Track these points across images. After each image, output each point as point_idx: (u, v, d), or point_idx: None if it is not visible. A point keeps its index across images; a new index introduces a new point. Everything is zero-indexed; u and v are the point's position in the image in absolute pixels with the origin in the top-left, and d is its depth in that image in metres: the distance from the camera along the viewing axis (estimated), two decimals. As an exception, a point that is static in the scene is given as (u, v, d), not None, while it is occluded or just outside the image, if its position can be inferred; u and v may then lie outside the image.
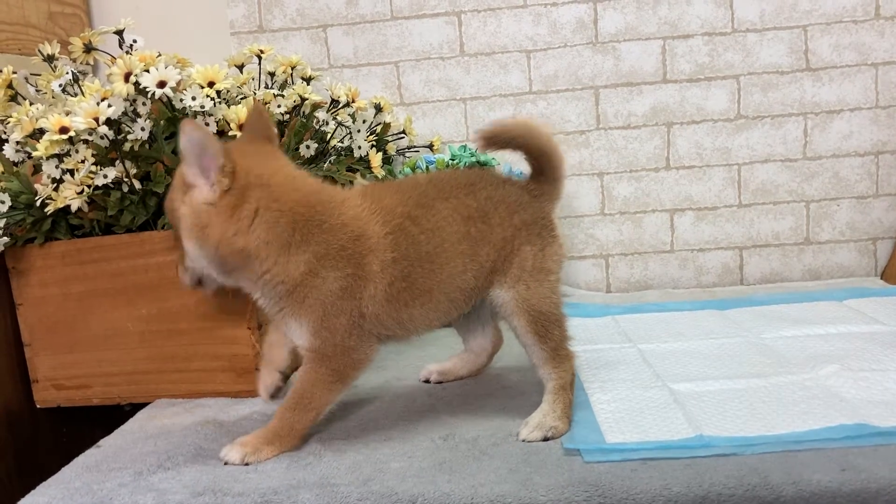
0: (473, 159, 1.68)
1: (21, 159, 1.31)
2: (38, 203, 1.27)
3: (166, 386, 1.32)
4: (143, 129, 1.23)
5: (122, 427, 1.22)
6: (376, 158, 1.52)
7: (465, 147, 1.72)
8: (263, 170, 1.02)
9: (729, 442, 0.98)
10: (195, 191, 0.99)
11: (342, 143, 1.51)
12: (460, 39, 1.86)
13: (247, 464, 1.03)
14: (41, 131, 1.23)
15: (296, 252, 1.01)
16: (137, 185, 1.26)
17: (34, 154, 1.23)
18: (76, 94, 1.32)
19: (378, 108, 1.65)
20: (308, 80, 1.59)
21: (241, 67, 1.58)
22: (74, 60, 1.40)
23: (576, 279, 1.92)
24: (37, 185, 1.29)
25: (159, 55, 1.26)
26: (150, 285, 1.28)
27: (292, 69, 1.60)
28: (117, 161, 1.24)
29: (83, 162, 1.23)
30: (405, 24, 1.86)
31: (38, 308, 1.34)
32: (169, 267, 1.24)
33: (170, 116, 1.27)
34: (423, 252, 1.06)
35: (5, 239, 1.28)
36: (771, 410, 1.08)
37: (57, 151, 1.22)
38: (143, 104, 1.23)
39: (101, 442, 1.17)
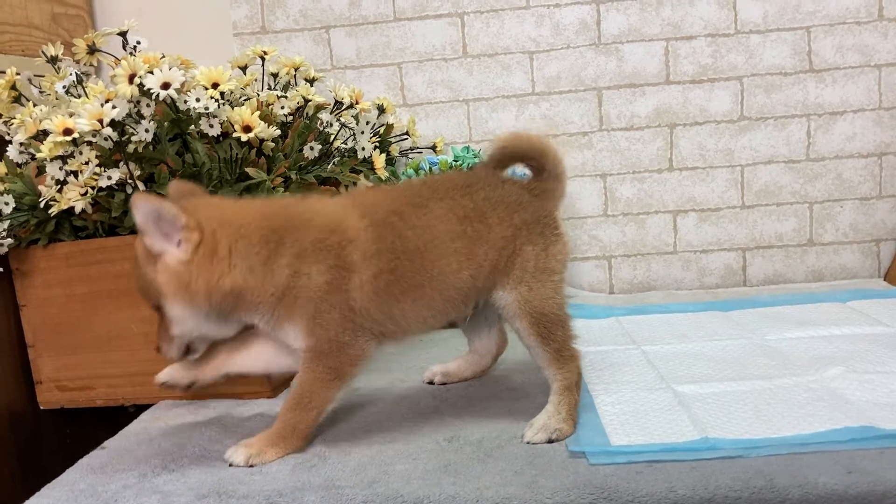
0: (476, 160, 1.68)
1: (25, 161, 1.31)
2: (41, 204, 1.27)
3: (170, 387, 1.32)
4: (147, 130, 1.23)
5: (126, 429, 1.22)
6: (380, 160, 1.52)
7: (467, 148, 1.72)
8: (215, 211, 1.04)
9: (734, 444, 0.98)
10: (165, 256, 1.00)
11: (346, 144, 1.51)
12: (463, 41, 1.86)
13: (251, 466, 1.03)
14: (45, 133, 1.23)
15: (276, 260, 1.02)
16: (141, 186, 1.25)
17: (38, 155, 1.23)
18: (80, 96, 1.32)
19: (381, 110, 1.65)
20: (311, 81, 1.59)
21: (244, 69, 1.58)
22: (78, 62, 1.40)
23: (579, 280, 1.92)
24: (41, 187, 1.29)
25: (163, 57, 1.25)
26: (154, 287, 1.28)
27: (295, 70, 1.60)
28: (121, 163, 1.24)
29: (87, 163, 1.23)
30: (408, 25, 1.86)
31: (41, 309, 1.34)
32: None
33: (174, 118, 1.27)
34: (411, 246, 1.07)
35: (9, 240, 1.28)
36: (776, 412, 1.08)
37: (61, 153, 1.22)
38: (147, 106, 1.23)
39: (105, 444, 1.17)
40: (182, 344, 1.08)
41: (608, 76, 1.85)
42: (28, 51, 1.61)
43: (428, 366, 1.34)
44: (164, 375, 1.15)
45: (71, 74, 1.35)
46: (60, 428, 1.49)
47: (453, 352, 1.37)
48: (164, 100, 1.21)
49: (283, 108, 1.42)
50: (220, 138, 1.26)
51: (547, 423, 1.06)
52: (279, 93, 1.46)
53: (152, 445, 1.14)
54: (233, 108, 1.28)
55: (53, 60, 1.39)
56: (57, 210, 1.25)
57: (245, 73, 1.55)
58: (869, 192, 1.85)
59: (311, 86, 1.50)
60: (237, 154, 1.27)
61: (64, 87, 1.33)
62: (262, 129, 1.26)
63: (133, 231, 1.28)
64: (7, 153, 1.31)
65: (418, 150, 1.80)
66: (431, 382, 1.32)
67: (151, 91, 1.20)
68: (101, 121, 1.18)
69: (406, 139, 1.77)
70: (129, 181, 1.25)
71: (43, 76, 1.40)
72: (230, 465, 1.04)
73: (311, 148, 1.39)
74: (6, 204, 1.28)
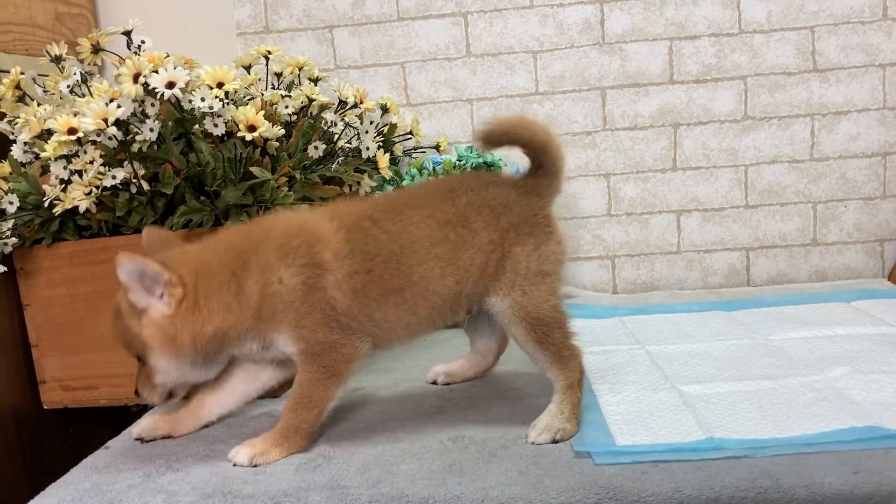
0: (480, 160, 1.68)
1: (29, 160, 1.31)
2: (46, 204, 1.27)
3: (174, 387, 1.32)
4: (151, 130, 1.23)
5: (130, 428, 1.22)
6: (384, 159, 1.52)
7: (471, 148, 1.71)
8: (191, 260, 1.05)
9: (740, 444, 0.98)
10: (150, 310, 1.03)
11: (350, 144, 1.51)
12: (466, 40, 1.86)
13: (255, 465, 1.03)
14: (49, 132, 1.23)
15: (246, 285, 1.04)
16: (146, 186, 1.25)
17: (42, 155, 1.23)
18: (84, 95, 1.32)
19: (384, 109, 1.65)
20: (315, 80, 1.59)
21: (248, 68, 1.58)
22: (82, 61, 1.40)
23: (582, 280, 1.92)
24: (45, 186, 1.29)
25: (167, 56, 1.25)
26: (158, 286, 1.28)
27: (299, 70, 1.60)
28: (125, 162, 1.24)
29: (91, 163, 1.23)
30: (411, 24, 1.86)
31: (45, 309, 1.34)
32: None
33: (178, 117, 1.27)
34: (386, 250, 1.07)
35: (13, 240, 1.28)
36: (781, 412, 1.08)
37: (65, 152, 1.22)
38: (152, 105, 1.23)
39: (110, 443, 1.17)
40: (165, 391, 1.10)
41: (612, 76, 1.85)
42: (32, 50, 1.61)
43: (431, 366, 1.34)
44: (141, 430, 1.17)
45: (75, 74, 1.35)
46: (64, 427, 1.49)
47: (456, 351, 1.37)
48: (168, 99, 1.21)
49: (287, 107, 1.42)
50: (225, 137, 1.26)
51: (550, 423, 1.06)
52: (283, 92, 1.46)
53: (156, 445, 1.14)
54: (237, 107, 1.28)
55: (57, 60, 1.39)
56: (61, 209, 1.25)
57: (249, 73, 1.55)
58: (873, 192, 1.85)
59: (315, 85, 1.50)
60: (241, 153, 1.27)
61: (68, 86, 1.33)
62: (266, 129, 1.26)
63: (137, 231, 1.28)
64: (11, 152, 1.31)
65: (422, 150, 1.80)
66: (435, 383, 1.32)
67: (156, 90, 1.20)
68: (105, 120, 1.18)
69: (410, 139, 1.77)
70: (134, 180, 1.25)
71: (47, 75, 1.40)
72: (234, 465, 1.04)
73: (316, 147, 1.39)
74: (10, 203, 1.28)
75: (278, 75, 1.60)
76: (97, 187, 1.23)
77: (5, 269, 1.29)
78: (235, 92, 1.32)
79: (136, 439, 1.15)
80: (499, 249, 1.10)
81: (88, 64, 1.41)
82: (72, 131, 1.20)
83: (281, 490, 0.96)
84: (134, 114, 1.23)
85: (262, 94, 1.43)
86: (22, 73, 1.36)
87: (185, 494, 0.97)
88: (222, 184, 1.27)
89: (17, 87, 1.35)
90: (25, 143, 1.29)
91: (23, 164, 1.32)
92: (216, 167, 1.27)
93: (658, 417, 1.09)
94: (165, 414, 1.17)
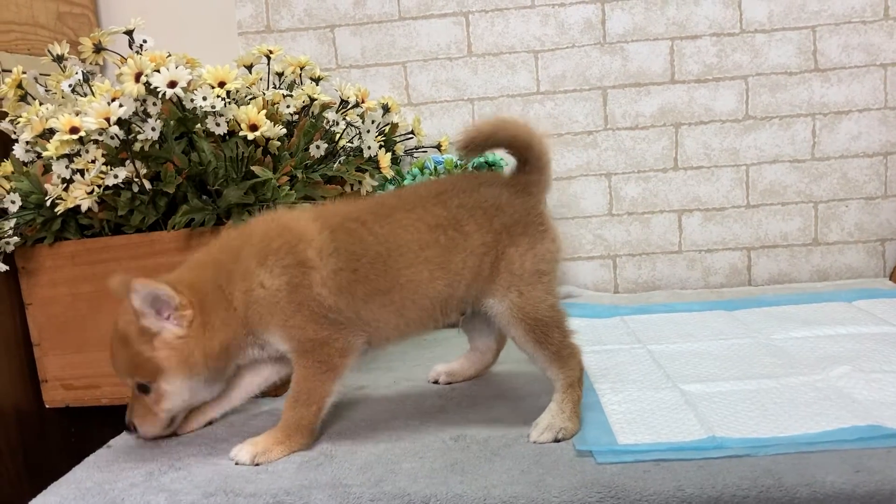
0: (481, 159, 1.68)
1: (31, 159, 1.32)
2: (48, 203, 1.27)
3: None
4: (153, 129, 1.23)
5: (133, 427, 1.22)
6: (385, 159, 1.52)
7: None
8: (189, 281, 1.06)
9: (741, 443, 0.98)
10: (163, 333, 1.04)
11: (351, 143, 1.51)
12: (468, 40, 1.86)
13: (257, 464, 1.03)
14: (51, 131, 1.23)
15: (233, 294, 1.06)
16: (147, 185, 1.25)
17: (44, 154, 1.24)
18: (86, 95, 1.32)
19: (386, 109, 1.65)
20: (317, 80, 1.59)
21: (249, 68, 1.58)
22: (84, 61, 1.40)
23: (583, 280, 1.92)
24: (47, 185, 1.29)
25: (169, 55, 1.26)
26: (160, 285, 1.28)
27: (301, 69, 1.60)
28: (127, 161, 1.24)
29: (93, 162, 1.23)
30: (413, 24, 1.86)
31: (47, 308, 1.34)
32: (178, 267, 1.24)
33: (180, 117, 1.27)
34: (372, 252, 1.07)
35: (15, 239, 1.28)
36: (783, 412, 1.08)
37: (67, 151, 1.23)
38: (154, 104, 1.23)
39: (111, 442, 1.17)
40: (169, 417, 1.11)
41: (613, 75, 1.85)
42: (34, 50, 1.61)
43: (432, 365, 1.34)
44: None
45: (77, 73, 1.35)
46: (66, 426, 1.49)
47: (457, 351, 1.37)
48: (170, 98, 1.21)
49: (288, 106, 1.42)
50: (227, 137, 1.26)
51: (552, 422, 1.06)
52: (285, 92, 1.46)
53: (158, 444, 1.14)
54: (239, 106, 1.28)
55: (59, 59, 1.39)
56: (63, 208, 1.25)
57: (251, 72, 1.55)
58: (874, 192, 1.85)
59: (317, 85, 1.50)
60: (243, 153, 1.27)
61: (70, 85, 1.34)
62: (268, 128, 1.26)
63: (139, 230, 1.29)
64: (13, 152, 1.31)
65: (423, 150, 1.80)
66: (436, 382, 1.32)
67: (158, 90, 1.20)
68: (107, 119, 1.19)
69: (411, 138, 1.77)
70: (136, 180, 1.25)
71: (49, 75, 1.40)
72: (236, 463, 1.04)
73: (317, 147, 1.39)
74: (12, 202, 1.28)
75: (280, 75, 1.61)
76: (99, 186, 1.24)
77: (7, 268, 1.29)
78: (237, 91, 1.32)
79: (141, 438, 1.15)
80: (492, 252, 1.09)
81: (90, 63, 1.41)
82: (74, 130, 1.21)
83: (283, 488, 0.96)
84: (136, 113, 1.23)
85: (264, 94, 1.43)
86: (24, 73, 1.36)
87: (186, 493, 0.97)
88: (224, 183, 1.27)
89: (19, 86, 1.35)
90: (27, 143, 1.30)
91: (25, 164, 1.32)
92: (218, 166, 1.27)
93: (660, 416, 1.09)
94: None
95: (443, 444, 1.06)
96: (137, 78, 1.21)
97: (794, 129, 1.84)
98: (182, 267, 1.11)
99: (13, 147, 1.31)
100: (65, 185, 1.25)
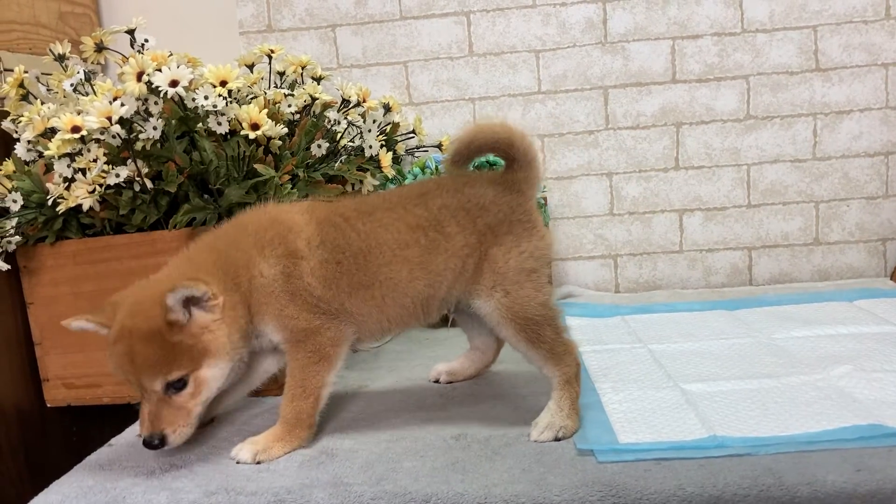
0: (482, 159, 1.68)
1: (33, 158, 1.32)
2: (49, 202, 1.27)
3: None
4: (155, 128, 1.23)
5: (134, 426, 1.22)
6: (386, 158, 1.52)
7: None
8: (205, 269, 1.06)
9: (742, 442, 0.98)
10: (197, 320, 1.02)
11: (352, 142, 1.51)
12: (469, 39, 1.86)
13: (259, 462, 1.04)
14: (53, 130, 1.24)
15: (238, 280, 1.06)
16: (149, 184, 1.25)
17: (46, 153, 1.24)
18: (87, 94, 1.32)
19: (387, 108, 1.65)
20: (318, 79, 1.59)
21: (251, 67, 1.58)
22: (85, 60, 1.40)
23: (584, 279, 1.92)
24: (48, 185, 1.29)
25: (171, 54, 1.26)
26: (161, 284, 1.28)
27: (302, 69, 1.60)
28: (129, 160, 1.25)
29: (95, 161, 1.23)
30: (414, 24, 1.86)
31: (48, 307, 1.34)
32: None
33: (182, 116, 1.27)
34: (354, 247, 1.08)
35: (17, 238, 1.29)
36: (784, 411, 1.08)
37: (69, 151, 1.23)
38: (156, 103, 1.23)
39: (113, 441, 1.17)
40: (201, 413, 1.06)
41: (614, 75, 1.85)
42: (36, 49, 1.62)
43: (433, 364, 1.34)
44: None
45: (78, 72, 1.35)
46: (67, 425, 1.49)
47: (458, 350, 1.37)
48: (171, 97, 1.21)
49: (289, 106, 1.42)
50: (228, 136, 1.26)
51: (551, 421, 1.06)
52: (286, 91, 1.46)
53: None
54: (240, 105, 1.28)
55: (61, 58, 1.39)
56: (65, 208, 1.25)
57: (252, 72, 1.55)
58: (875, 192, 1.85)
59: (318, 84, 1.50)
60: (245, 152, 1.27)
61: (72, 84, 1.34)
62: (269, 127, 1.26)
63: (140, 229, 1.29)
64: (15, 151, 1.31)
65: (424, 149, 1.80)
66: (437, 381, 1.32)
67: (159, 89, 1.20)
68: (109, 118, 1.19)
69: (412, 138, 1.77)
70: (137, 179, 1.25)
71: (50, 74, 1.40)
72: (237, 462, 1.04)
73: (319, 146, 1.39)
74: (14, 202, 1.28)
75: (281, 74, 1.61)
76: (101, 185, 1.24)
77: (9, 267, 1.29)
78: (238, 90, 1.32)
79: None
80: (476, 252, 1.09)
81: (92, 62, 1.41)
82: (75, 130, 1.21)
83: (284, 487, 0.96)
84: (137, 112, 1.23)
85: (265, 93, 1.43)
86: (26, 72, 1.36)
87: (188, 492, 0.97)
88: (225, 182, 1.27)
89: (21, 85, 1.35)
90: (29, 142, 1.30)
91: (26, 163, 1.32)
92: (219, 165, 1.27)
93: (661, 415, 1.09)
94: None
95: (444, 443, 1.06)
96: (139, 77, 1.21)
97: (795, 128, 1.84)
98: (181, 260, 1.10)
99: (15, 146, 1.32)
100: (66, 184, 1.25)
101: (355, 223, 1.10)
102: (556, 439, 1.04)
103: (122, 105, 1.19)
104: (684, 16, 1.82)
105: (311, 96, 1.43)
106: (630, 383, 1.23)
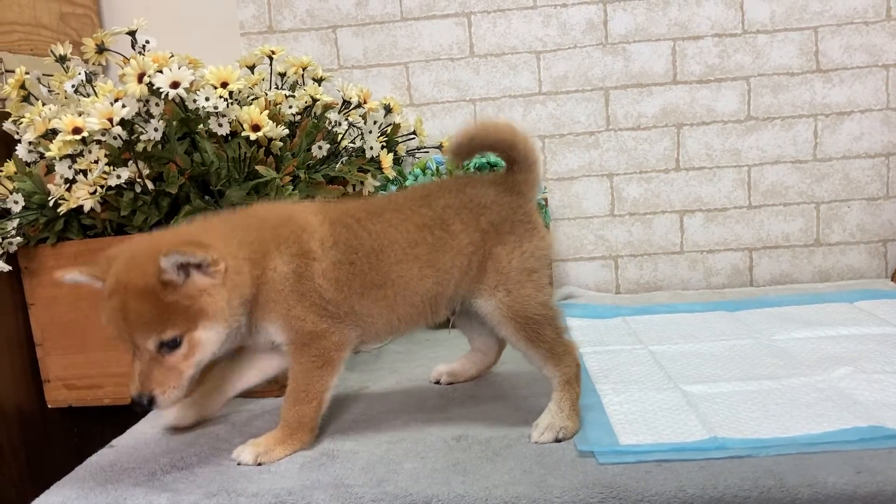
0: (483, 160, 1.68)
1: (34, 159, 1.32)
2: (50, 203, 1.27)
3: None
4: (156, 129, 1.24)
5: (135, 427, 1.22)
6: (387, 159, 1.52)
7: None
8: (214, 237, 1.04)
9: (743, 444, 0.98)
10: (195, 281, 0.99)
11: (353, 143, 1.51)
12: (470, 40, 1.86)
13: (260, 464, 1.04)
14: (54, 132, 1.24)
15: (247, 263, 1.04)
16: (150, 185, 1.26)
17: (47, 154, 1.24)
18: (88, 95, 1.32)
19: (388, 109, 1.65)
20: (319, 81, 1.59)
21: (252, 68, 1.58)
22: (86, 61, 1.40)
23: (585, 280, 1.92)
24: (49, 186, 1.29)
25: (172, 56, 1.26)
26: (162, 285, 1.28)
27: (303, 70, 1.60)
28: (130, 161, 1.25)
29: (96, 162, 1.23)
30: (415, 25, 1.86)
31: (49, 308, 1.34)
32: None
33: (183, 117, 1.27)
34: (366, 247, 1.09)
35: (18, 239, 1.29)
36: (784, 412, 1.08)
37: (70, 152, 1.23)
38: (157, 105, 1.24)
39: (114, 442, 1.17)
40: (194, 376, 1.03)
41: (615, 76, 1.85)
42: (37, 50, 1.62)
43: (434, 365, 1.35)
44: (177, 419, 1.17)
45: (80, 73, 1.35)
46: (68, 426, 1.49)
47: (459, 351, 1.37)
48: (172, 99, 1.21)
49: (290, 107, 1.42)
50: (229, 137, 1.26)
51: (552, 422, 1.06)
52: (287, 92, 1.47)
53: (160, 444, 1.14)
54: (241, 107, 1.28)
55: (62, 60, 1.39)
56: (66, 209, 1.25)
57: (253, 73, 1.55)
58: (876, 193, 1.85)
59: (319, 85, 1.50)
60: (246, 153, 1.27)
61: (73, 86, 1.34)
62: (270, 129, 1.26)
63: (141, 230, 1.29)
64: (16, 152, 1.31)
65: (425, 150, 1.80)
66: (438, 382, 1.32)
67: (160, 90, 1.20)
68: (110, 120, 1.19)
69: (413, 139, 1.77)
70: (138, 180, 1.25)
71: (52, 75, 1.40)
72: (238, 463, 1.04)
73: (319, 147, 1.39)
74: (15, 203, 1.28)
75: (282, 75, 1.61)
76: (102, 187, 1.24)
77: (10, 268, 1.29)
78: (239, 92, 1.32)
79: (168, 429, 1.16)
80: (480, 251, 1.10)
81: (93, 64, 1.41)
82: (76, 131, 1.21)
83: (285, 488, 0.96)
84: (138, 113, 1.23)
85: (266, 94, 1.44)
86: (27, 73, 1.36)
87: (189, 493, 0.97)
88: (227, 183, 1.27)
89: (22, 86, 1.35)
90: (30, 143, 1.30)
91: (28, 164, 1.32)
92: (220, 167, 1.27)
93: (661, 417, 1.09)
94: (189, 402, 1.17)
95: (445, 445, 1.06)
96: (140, 78, 1.21)
97: (795, 129, 1.84)
98: (195, 223, 1.09)
99: (16, 147, 1.32)
100: (67, 185, 1.25)
101: (366, 223, 1.11)
102: (557, 440, 1.04)
103: (124, 106, 1.20)
104: (685, 17, 1.82)
105: (311, 97, 1.43)
106: (631, 384, 1.23)
